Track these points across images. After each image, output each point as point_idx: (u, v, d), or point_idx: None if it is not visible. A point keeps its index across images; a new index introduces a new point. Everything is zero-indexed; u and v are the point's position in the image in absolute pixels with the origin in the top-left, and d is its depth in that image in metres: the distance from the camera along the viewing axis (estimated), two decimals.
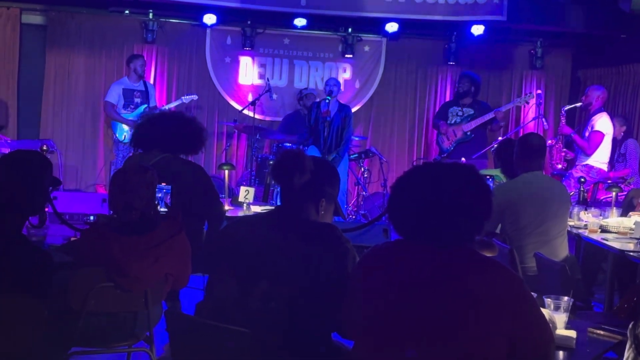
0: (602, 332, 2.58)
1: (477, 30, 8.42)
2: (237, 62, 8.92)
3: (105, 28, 8.58)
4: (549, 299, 2.58)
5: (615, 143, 7.04)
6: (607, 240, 4.40)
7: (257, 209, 4.90)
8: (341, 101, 7.76)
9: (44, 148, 5.62)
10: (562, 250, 4.20)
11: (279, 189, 3.00)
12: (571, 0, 8.33)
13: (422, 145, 9.28)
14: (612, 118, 6.91)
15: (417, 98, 9.23)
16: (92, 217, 3.76)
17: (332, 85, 7.54)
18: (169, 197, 3.97)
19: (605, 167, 6.83)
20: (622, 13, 7.46)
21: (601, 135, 6.67)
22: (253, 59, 8.93)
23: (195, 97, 8.31)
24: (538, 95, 8.25)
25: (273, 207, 2.78)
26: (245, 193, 5.15)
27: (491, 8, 8.20)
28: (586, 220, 4.86)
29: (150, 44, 8.61)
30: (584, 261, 5.20)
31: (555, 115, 8.88)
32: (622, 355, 1.96)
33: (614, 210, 5.15)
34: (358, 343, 2.10)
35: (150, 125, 4.28)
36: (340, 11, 8.28)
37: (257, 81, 8.91)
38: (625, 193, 6.18)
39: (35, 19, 8.55)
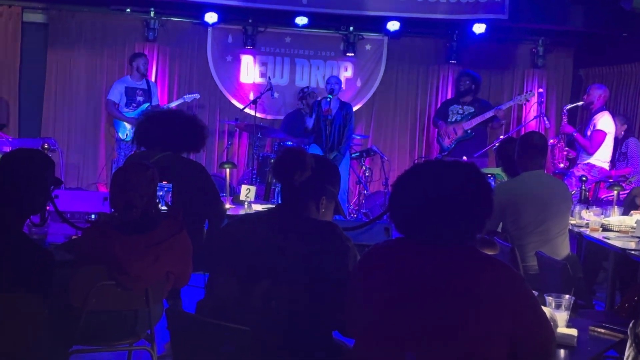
0: (603, 331, 2.58)
1: (479, 29, 8.40)
2: (239, 61, 8.91)
3: (106, 26, 8.57)
4: (550, 298, 2.58)
5: (617, 142, 7.03)
6: (608, 239, 4.39)
7: (258, 207, 4.91)
8: (342, 100, 7.76)
9: (45, 146, 5.61)
10: (563, 249, 4.19)
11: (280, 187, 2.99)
12: None
13: (423, 144, 9.27)
14: (613, 117, 6.91)
15: (419, 97, 9.23)
16: (93, 216, 3.75)
17: (333, 83, 7.54)
18: (170, 195, 3.97)
19: (606, 166, 6.82)
20: (623, 12, 7.45)
21: (603, 134, 6.67)
22: (254, 57, 8.93)
23: (197, 96, 8.31)
24: (539, 94, 8.25)
25: (274, 206, 2.77)
26: (247, 191, 5.15)
27: (493, 7, 8.19)
28: (587, 219, 4.85)
29: (151, 42, 8.60)
30: (585, 260, 5.20)
31: (557, 114, 8.87)
32: (623, 354, 1.96)
33: (616, 209, 5.14)
34: (359, 342, 2.10)
35: (152, 123, 4.28)
36: (341, 9, 8.27)
37: (259, 80, 8.91)
38: (626, 192, 6.18)
39: (37, 17, 8.54)
